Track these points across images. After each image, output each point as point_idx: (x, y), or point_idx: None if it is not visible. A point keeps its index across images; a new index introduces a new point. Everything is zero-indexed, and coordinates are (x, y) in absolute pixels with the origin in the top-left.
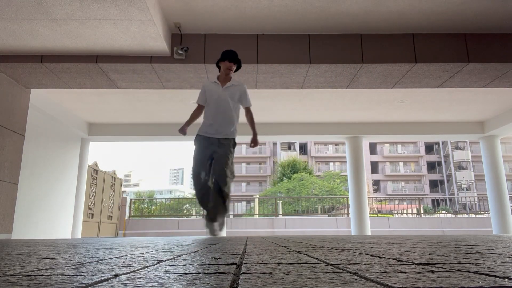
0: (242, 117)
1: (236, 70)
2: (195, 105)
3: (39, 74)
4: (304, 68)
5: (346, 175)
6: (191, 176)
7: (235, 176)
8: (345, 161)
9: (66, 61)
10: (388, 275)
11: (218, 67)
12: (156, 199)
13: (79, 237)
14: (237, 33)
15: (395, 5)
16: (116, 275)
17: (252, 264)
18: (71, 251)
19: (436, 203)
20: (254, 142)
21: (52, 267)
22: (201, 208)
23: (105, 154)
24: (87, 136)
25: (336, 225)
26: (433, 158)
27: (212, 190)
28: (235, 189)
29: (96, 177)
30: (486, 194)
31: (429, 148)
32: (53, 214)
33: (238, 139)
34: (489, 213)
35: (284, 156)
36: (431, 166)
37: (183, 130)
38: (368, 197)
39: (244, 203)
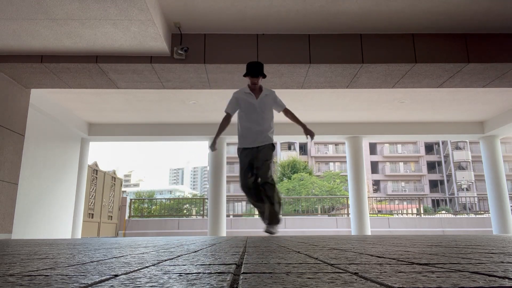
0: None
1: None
2: (195, 105)
3: (39, 74)
4: (304, 68)
5: (346, 175)
6: (240, 186)
7: (235, 176)
8: (345, 161)
9: (66, 61)
10: (388, 275)
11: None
12: (156, 199)
13: (79, 237)
14: (237, 33)
15: (395, 5)
16: (116, 275)
17: (252, 264)
18: (71, 251)
19: (436, 203)
20: (309, 133)
21: (52, 267)
22: (259, 210)
23: (105, 154)
24: (87, 136)
25: (336, 225)
26: (433, 158)
27: (262, 194)
28: (235, 189)
29: (96, 177)
30: (486, 194)
31: (429, 148)
32: (53, 214)
33: (234, 139)
34: (489, 213)
35: (284, 156)
36: (431, 166)
37: (213, 147)
38: (368, 197)
39: (244, 203)
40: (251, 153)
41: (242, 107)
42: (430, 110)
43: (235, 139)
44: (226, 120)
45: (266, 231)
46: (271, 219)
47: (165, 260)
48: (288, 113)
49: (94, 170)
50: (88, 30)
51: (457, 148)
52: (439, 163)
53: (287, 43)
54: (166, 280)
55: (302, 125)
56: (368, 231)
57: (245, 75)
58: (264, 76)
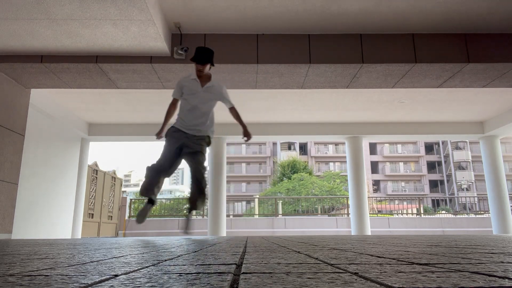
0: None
1: (210, 67)
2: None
3: (39, 74)
4: (304, 68)
5: (346, 175)
6: (154, 164)
7: (235, 176)
8: (345, 161)
9: (66, 61)
10: (388, 275)
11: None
12: (156, 199)
13: (79, 237)
14: (237, 33)
15: (395, 5)
16: (116, 275)
17: (252, 264)
18: (71, 251)
19: (436, 203)
20: (246, 135)
21: (52, 267)
22: (146, 194)
23: (105, 154)
24: (87, 136)
25: (336, 225)
26: (433, 158)
27: (192, 184)
28: (235, 189)
29: (96, 177)
30: (486, 194)
31: (429, 148)
32: (53, 214)
33: (234, 139)
34: (489, 213)
35: (284, 156)
36: (431, 166)
37: (158, 135)
38: (368, 197)
39: (244, 203)
40: (185, 138)
41: (186, 92)
42: (430, 110)
43: (235, 139)
44: (173, 105)
45: (186, 225)
46: (195, 203)
47: (165, 260)
48: (234, 111)
49: (94, 170)
50: (88, 30)
51: (457, 148)
52: (439, 163)
53: (287, 43)
54: (166, 280)
55: (243, 126)
56: (368, 231)
57: (191, 59)
58: (212, 64)
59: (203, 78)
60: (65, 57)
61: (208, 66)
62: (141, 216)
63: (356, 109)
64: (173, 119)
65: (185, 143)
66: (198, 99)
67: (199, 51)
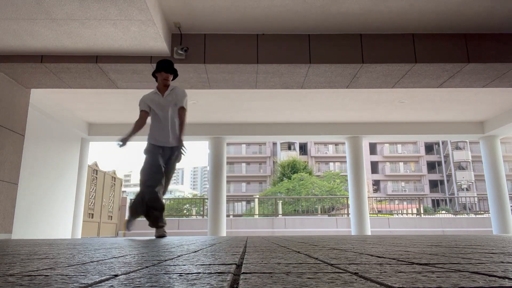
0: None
1: (173, 79)
2: (195, 105)
3: (39, 74)
4: (304, 68)
5: (346, 175)
6: (143, 185)
7: (235, 176)
8: (345, 161)
9: (66, 61)
10: (388, 275)
11: (155, 77)
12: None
13: (79, 237)
14: (237, 33)
15: (395, 5)
16: (116, 275)
17: (252, 264)
18: (71, 251)
19: (436, 203)
20: (179, 143)
21: (52, 267)
22: (135, 213)
23: (105, 154)
24: (87, 136)
25: (336, 225)
26: (433, 158)
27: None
28: (235, 189)
29: (96, 177)
30: (486, 194)
31: (429, 148)
32: (53, 214)
33: (234, 139)
34: (489, 213)
35: (284, 156)
36: (431, 166)
37: (125, 142)
38: (368, 197)
39: (244, 203)
40: (164, 152)
41: (153, 108)
42: (430, 110)
43: (235, 139)
44: (142, 118)
45: (159, 236)
46: (157, 223)
47: (165, 260)
48: (180, 111)
49: (94, 170)
50: (88, 30)
51: (457, 148)
52: (439, 163)
53: (287, 43)
54: (166, 280)
55: (181, 131)
56: (368, 231)
57: (155, 72)
58: (175, 74)
59: (163, 90)
60: (65, 57)
61: (171, 76)
62: (129, 226)
63: (356, 109)
64: (143, 132)
65: (168, 157)
66: (165, 108)
67: (165, 62)
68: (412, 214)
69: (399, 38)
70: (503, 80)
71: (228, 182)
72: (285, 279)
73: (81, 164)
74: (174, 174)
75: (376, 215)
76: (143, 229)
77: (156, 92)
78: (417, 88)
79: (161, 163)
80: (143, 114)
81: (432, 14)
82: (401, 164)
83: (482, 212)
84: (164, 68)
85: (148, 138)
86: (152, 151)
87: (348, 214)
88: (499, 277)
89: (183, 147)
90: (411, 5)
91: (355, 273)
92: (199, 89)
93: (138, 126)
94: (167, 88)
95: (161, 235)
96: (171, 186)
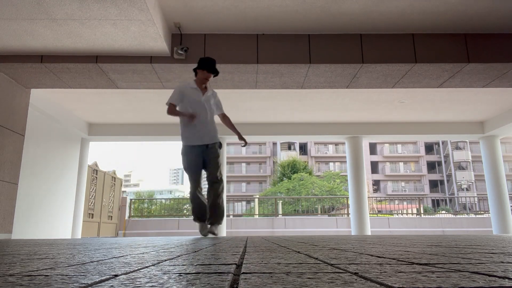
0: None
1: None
2: None
3: (39, 74)
4: (304, 68)
5: (346, 175)
6: (191, 191)
7: (235, 176)
8: (345, 161)
9: (66, 61)
10: (388, 275)
11: (195, 71)
12: (156, 199)
13: (79, 237)
14: (237, 33)
15: (395, 5)
16: (116, 275)
17: (252, 264)
18: (71, 251)
19: (436, 203)
20: (243, 140)
21: (52, 267)
22: (197, 219)
23: (105, 154)
24: (87, 136)
25: (336, 225)
26: (433, 158)
27: (209, 194)
28: (235, 189)
29: (96, 177)
30: (486, 194)
31: (429, 148)
32: (53, 214)
33: (234, 139)
34: (489, 213)
35: (284, 156)
36: (431, 166)
37: (191, 117)
38: (368, 197)
39: (244, 203)
40: (201, 151)
41: (187, 102)
42: (430, 110)
43: (235, 139)
44: (172, 112)
45: (210, 231)
46: (216, 218)
47: (165, 260)
48: (226, 117)
49: (94, 170)
50: (88, 30)
51: (457, 148)
52: (439, 163)
53: (287, 43)
54: (166, 280)
55: (237, 132)
56: (368, 231)
57: (198, 68)
58: (216, 74)
59: (202, 87)
60: (65, 57)
61: (212, 76)
62: (202, 231)
63: (356, 109)
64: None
65: (204, 155)
66: (203, 107)
67: (209, 60)
68: (412, 214)
69: (399, 38)
70: (503, 80)
71: (228, 182)
72: (285, 279)
73: (81, 164)
74: (220, 169)
75: (376, 215)
76: (143, 229)
77: (196, 88)
78: (417, 88)
79: (199, 164)
80: (172, 108)
81: (432, 14)
82: (401, 164)
83: (482, 212)
84: (208, 67)
85: (181, 138)
86: (190, 154)
87: (348, 214)
88: (499, 277)
89: (242, 139)
90: (411, 5)
91: (355, 273)
92: None
93: (175, 113)
94: (205, 87)
95: (211, 232)
96: (171, 186)
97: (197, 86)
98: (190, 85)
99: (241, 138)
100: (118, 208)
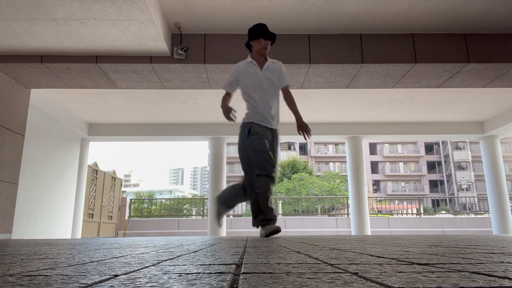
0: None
1: (271, 45)
2: (195, 105)
3: (39, 74)
4: (304, 68)
5: (346, 175)
6: (240, 183)
7: (235, 176)
8: (345, 161)
9: (66, 61)
10: (388, 275)
11: (248, 47)
12: (156, 199)
13: (79, 237)
14: (237, 33)
15: (395, 5)
16: (116, 275)
17: (252, 264)
18: (71, 251)
19: (436, 203)
20: (301, 127)
21: (52, 267)
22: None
23: (105, 154)
24: (87, 136)
25: (336, 225)
26: (433, 158)
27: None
28: None
29: (96, 177)
30: (486, 194)
31: (429, 148)
32: (53, 214)
33: (234, 139)
34: (489, 213)
35: (284, 156)
36: (431, 166)
37: (229, 114)
38: (368, 197)
39: (244, 203)
40: (271, 136)
41: (245, 81)
42: (430, 110)
43: (235, 139)
44: (226, 99)
45: (273, 231)
46: (270, 213)
47: (165, 260)
48: (288, 93)
49: (94, 170)
50: (88, 30)
51: (457, 148)
52: (439, 163)
53: (287, 43)
54: (166, 280)
55: (297, 116)
56: (368, 231)
57: (251, 39)
58: (274, 39)
59: (259, 61)
60: (65, 57)
61: (269, 43)
62: (219, 217)
63: (356, 109)
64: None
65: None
66: (263, 85)
67: (262, 26)
68: (412, 214)
69: (399, 38)
70: (503, 80)
71: (228, 182)
72: (285, 279)
73: (81, 164)
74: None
75: (376, 215)
76: (143, 229)
77: (253, 62)
78: (417, 88)
79: (268, 148)
80: (228, 96)
81: (432, 14)
82: (401, 164)
83: (482, 212)
84: (263, 34)
85: (249, 115)
86: (258, 132)
87: (348, 214)
88: (499, 277)
89: (306, 129)
90: (411, 5)
91: (355, 273)
92: (199, 89)
93: (222, 105)
94: (264, 59)
95: (275, 230)
96: (171, 186)
97: (251, 59)
98: (245, 60)
99: (300, 123)
100: (118, 208)
